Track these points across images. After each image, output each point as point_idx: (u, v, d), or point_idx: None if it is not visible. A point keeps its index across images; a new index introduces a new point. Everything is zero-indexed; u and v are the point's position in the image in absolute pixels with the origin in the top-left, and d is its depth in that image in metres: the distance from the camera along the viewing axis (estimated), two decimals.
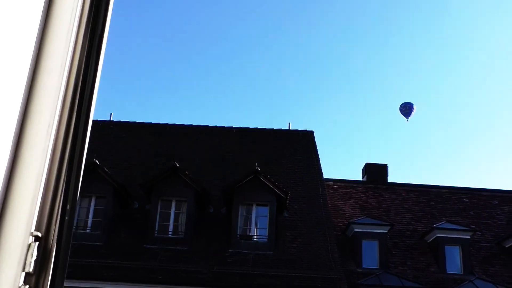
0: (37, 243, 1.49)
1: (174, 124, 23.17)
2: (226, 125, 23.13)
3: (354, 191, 23.64)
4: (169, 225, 17.72)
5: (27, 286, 1.46)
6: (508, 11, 49.57)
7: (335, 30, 51.72)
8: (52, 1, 1.69)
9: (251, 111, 51.39)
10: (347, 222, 21.05)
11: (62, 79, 1.63)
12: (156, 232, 17.48)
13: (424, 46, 51.11)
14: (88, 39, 1.69)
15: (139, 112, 52.75)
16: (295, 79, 52.67)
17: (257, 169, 17.82)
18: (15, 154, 1.53)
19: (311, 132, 23.06)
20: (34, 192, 1.52)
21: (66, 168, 1.56)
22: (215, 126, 23.12)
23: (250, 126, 23.25)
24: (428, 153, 51.94)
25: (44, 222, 1.53)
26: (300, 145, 22.42)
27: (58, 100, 1.61)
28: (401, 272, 19.62)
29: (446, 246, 20.23)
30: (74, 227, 16.19)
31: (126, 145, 21.65)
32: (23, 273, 1.46)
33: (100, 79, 1.75)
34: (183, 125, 23.13)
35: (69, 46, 1.66)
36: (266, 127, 23.29)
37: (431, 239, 20.82)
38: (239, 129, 23.11)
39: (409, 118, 34.60)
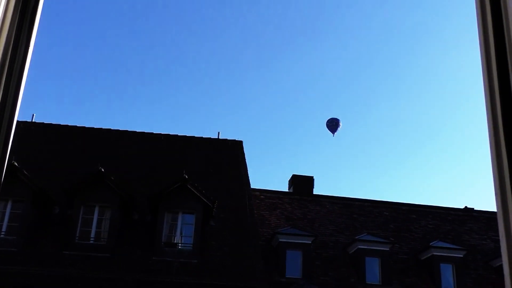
0: None
1: (101, 128, 22.77)
2: (155, 131, 23.07)
3: (280, 201, 24.01)
4: (91, 231, 17.40)
5: None
6: (439, 27, 52.28)
7: (266, 40, 52.59)
8: None
9: (181, 119, 51.23)
10: (272, 232, 21.36)
11: None
12: (76, 238, 17.12)
13: (355, 61, 52.94)
14: (14, 33, 1.58)
15: (64, 114, 51.32)
16: (226, 88, 53.07)
17: (185, 176, 17.83)
18: None
19: (240, 142, 23.25)
20: None
21: None
22: (143, 132, 22.95)
23: (179, 134, 23.27)
24: (353, 167, 53.73)
25: None
26: (228, 155, 22.57)
27: None
28: (323, 282, 20.11)
29: (366, 258, 20.91)
30: None
31: (49, 147, 21.07)
32: None
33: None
34: (110, 129, 22.78)
35: None
36: (195, 135, 23.35)
37: (352, 251, 21.49)
38: (168, 136, 23.02)
39: (335, 133, 35.77)
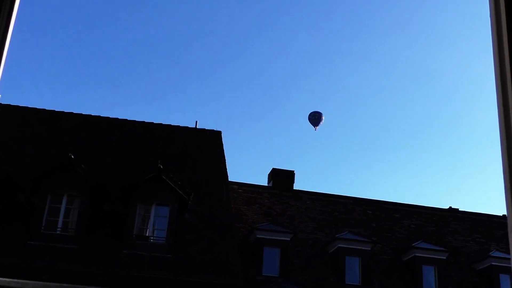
0: None
1: (72, 113, 22.39)
2: (129, 118, 22.76)
3: (259, 196, 23.99)
4: (58, 221, 17.12)
5: None
6: (429, 22, 52.57)
7: (251, 30, 52.39)
8: None
9: (158, 106, 50.77)
10: (249, 228, 21.33)
11: None
12: (42, 228, 16.83)
13: (339, 53, 53.01)
14: None
15: (33, 97, 50.54)
16: (205, 75, 52.72)
17: (160, 166, 17.67)
18: None
19: (219, 133, 23.07)
20: None
21: None
22: (117, 118, 22.61)
23: (155, 121, 22.99)
24: (335, 163, 53.88)
25: None
26: (206, 145, 22.41)
27: None
28: (301, 281, 20.15)
29: (346, 257, 20.99)
30: None
31: (16, 131, 20.64)
32: None
33: None
34: (81, 114, 22.42)
35: None
36: (172, 124, 23.10)
37: (332, 249, 21.52)
38: (143, 123, 22.75)
39: (317, 127, 35.80)
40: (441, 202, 60.66)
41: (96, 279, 16.00)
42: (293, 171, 25.95)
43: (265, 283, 19.23)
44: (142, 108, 50.31)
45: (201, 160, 21.54)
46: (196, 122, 23.60)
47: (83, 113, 22.52)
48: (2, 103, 22.26)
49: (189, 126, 23.26)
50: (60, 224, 17.13)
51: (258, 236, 20.54)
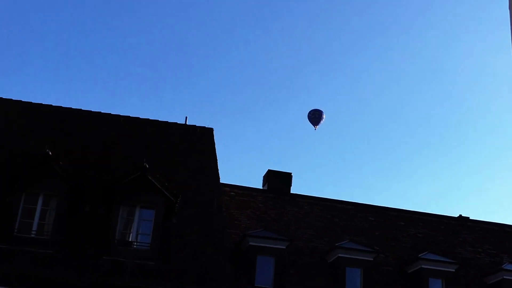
0: None
1: (51, 106, 22.26)
2: (113, 112, 22.65)
3: (252, 200, 23.93)
4: (33, 223, 16.99)
5: None
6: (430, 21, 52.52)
7: (250, 25, 52.24)
8: None
9: (144, 100, 50.58)
10: (242, 234, 21.26)
11: None
12: (15, 230, 16.70)
13: (343, 53, 52.95)
14: None
15: (8, 88, 50.25)
16: (197, 68, 52.55)
17: (145, 165, 17.62)
18: None
19: (210, 130, 23.02)
20: None
21: None
22: (100, 112, 22.48)
23: (141, 116, 22.90)
24: (336, 166, 53.82)
25: None
26: (196, 143, 22.37)
27: None
28: None
29: (347, 268, 20.95)
30: None
31: None
32: None
33: None
34: (61, 107, 22.28)
35: None
36: (160, 119, 23.06)
37: (332, 259, 21.46)
38: (128, 118, 22.64)
39: (318, 126, 35.64)
40: (451, 209, 60.82)
41: (73, 287, 15.83)
42: (290, 173, 25.97)
43: None
44: (127, 102, 50.15)
45: (190, 159, 21.50)
46: (186, 118, 23.53)
47: (63, 106, 22.40)
48: None
49: (178, 122, 23.20)
50: (35, 226, 16.98)
51: (251, 243, 20.47)
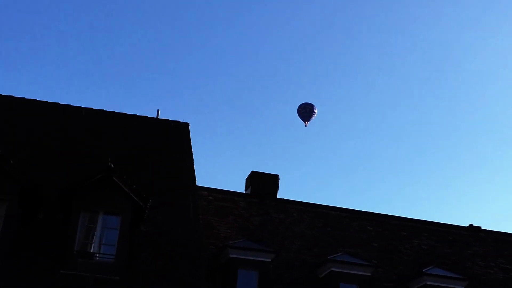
0: None
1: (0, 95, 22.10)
2: (73, 104, 22.62)
3: (234, 205, 23.99)
4: None
5: None
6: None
7: (233, 12, 52.24)
8: None
9: (110, 90, 50.35)
10: (221, 245, 21.32)
11: None
12: None
13: (338, 33, 53.14)
14: None
15: None
16: (172, 58, 52.47)
17: (110, 165, 17.52)
18: None
19: (186, 125, 23.03)
20: None
21: None
22: (57, 103, 22.36)
23: (106, 109, 22.84)
24: (329, 167, 54.00)
25: None
26: (170, 140, 22.42)
27: None
28: None
29: (341, 284, 21.08)
30: None
31: None
32: None
33: None
34: (12, 96, 22.09)
35: None
36: (128, 112, 23.01)
37: (323, 274, 21.57)
38: (90, 110, 22.60)
39: (309, 122, 35.74)
40: (460, 218, 61.28)
41: None
42: (277, 175, 26.15)
43: None
44: (91, 92, 49.85)
45: (163, 158, 21.52)
46: (158, 111, 23.53)
47: (14, 96, 22.20)
48: None
49: (149, 116, 23.18)
50: None
51: (231, 255, 20.52)
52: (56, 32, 49.01)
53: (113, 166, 17.51)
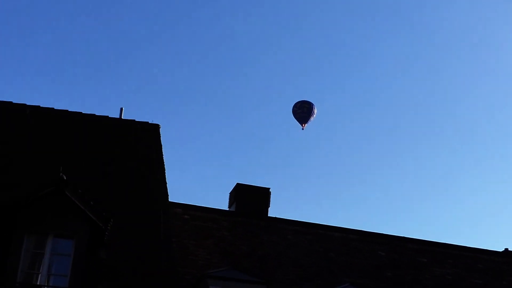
0: None
1: None
2: (16, 101, 22.50)
3: (215, 225, 23.92)
4: None
5: None
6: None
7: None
8: None
9: (64, 85, 49.81)
10: (199, 274, 21.14)
11: None
12: None
13: (339, 24, 53.14)
14: None
15: None
16: (141, 50, 52.03)
17: (62, 176, 17.39)
18: None
19: (156, 127, 23.33)
20: None
21: None
22: None
23: (58, 108, 22.97)
24: (331, 180, 53.60)
25: None
26: (136, 145, 22.60)
27: None
28: None
29: None
30: None
31: None
32: None
33: None
34: None
35: None
36: (84, 111, 23.19)
37: None
38: (38, 108, 22.62)
39: (306, 125, 35.27)
40: (492, 242, 61.08)
41: None
42: (268, 188, 26.38)
43: None
44: (40, 87, 49.35)
45: (127, 168, 21.62)
46: (121, 109, 23.88)
47: None
48: None
49: (110, 116, 23.37)
50: None
51: (211, 287, 20.26)
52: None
53: (65, 178, 17.42)
